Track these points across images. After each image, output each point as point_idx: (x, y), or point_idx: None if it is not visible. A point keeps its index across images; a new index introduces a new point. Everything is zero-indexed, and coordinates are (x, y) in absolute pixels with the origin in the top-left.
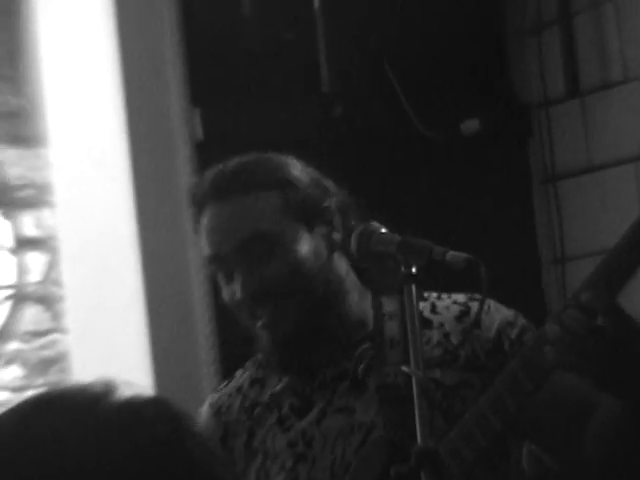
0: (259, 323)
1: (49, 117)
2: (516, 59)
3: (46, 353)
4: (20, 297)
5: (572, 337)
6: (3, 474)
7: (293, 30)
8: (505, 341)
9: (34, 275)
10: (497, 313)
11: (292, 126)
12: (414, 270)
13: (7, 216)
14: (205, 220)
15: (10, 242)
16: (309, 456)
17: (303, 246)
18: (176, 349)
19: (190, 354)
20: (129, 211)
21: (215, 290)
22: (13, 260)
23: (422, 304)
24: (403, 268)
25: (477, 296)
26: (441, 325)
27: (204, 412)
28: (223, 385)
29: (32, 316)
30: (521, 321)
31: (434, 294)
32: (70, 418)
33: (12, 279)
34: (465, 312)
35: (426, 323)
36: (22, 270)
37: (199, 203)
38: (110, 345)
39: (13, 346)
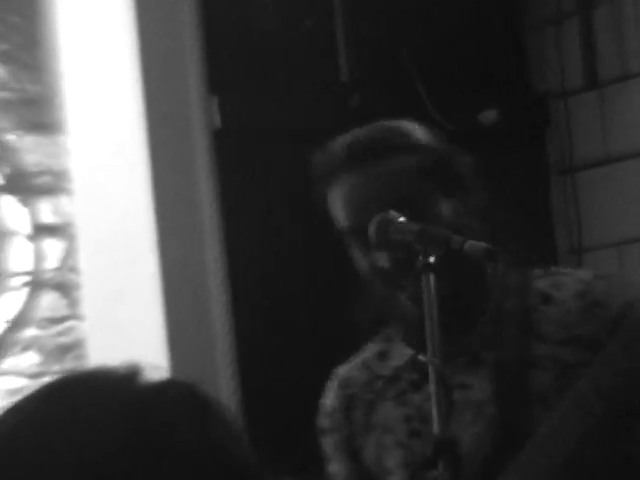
0: (404, 294)
1: (67, 104)
2: (535, 50)
3: (63, 340)
4: (37, 284)
5: None
6: (29, 456)
7: (312, 18)
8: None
9: (51, 262)
10: (620, 293)
11: (310, 114)
12: (432, 259)
13: (25, 203)
14: (339, 191)
15: (27, 229)
16: (423, 432)
17: (443, 211)
18: (192, 336)
19: (207, 341)
20: (147, 198)
21: (232, 276)
22: (30, 247)
23: (543, 279)
24: (421, 257)
25: (603, 275)
26: (563, 302)
27: (331, 384)
28: (353, 358)
29: (49, 303)
30: None
31: (559, 269)
32: (95, 401)
33: (29, 266)
34: (588, 290)
35: (546, 299)
36: (39, 257)
37: (330, 174)
38: (127, 332)
39: (30, 333)
